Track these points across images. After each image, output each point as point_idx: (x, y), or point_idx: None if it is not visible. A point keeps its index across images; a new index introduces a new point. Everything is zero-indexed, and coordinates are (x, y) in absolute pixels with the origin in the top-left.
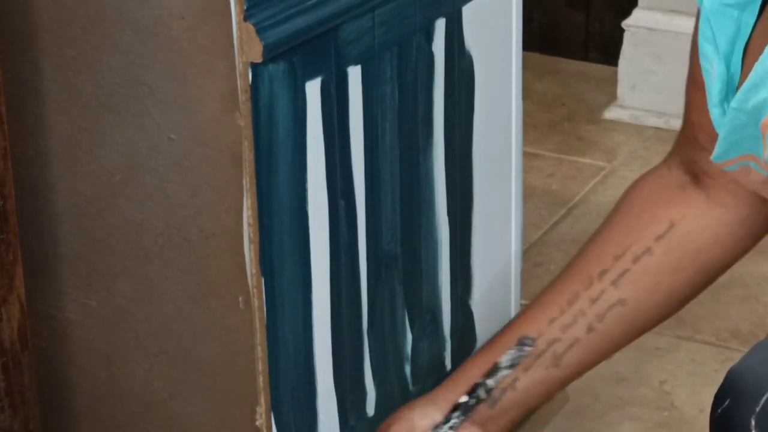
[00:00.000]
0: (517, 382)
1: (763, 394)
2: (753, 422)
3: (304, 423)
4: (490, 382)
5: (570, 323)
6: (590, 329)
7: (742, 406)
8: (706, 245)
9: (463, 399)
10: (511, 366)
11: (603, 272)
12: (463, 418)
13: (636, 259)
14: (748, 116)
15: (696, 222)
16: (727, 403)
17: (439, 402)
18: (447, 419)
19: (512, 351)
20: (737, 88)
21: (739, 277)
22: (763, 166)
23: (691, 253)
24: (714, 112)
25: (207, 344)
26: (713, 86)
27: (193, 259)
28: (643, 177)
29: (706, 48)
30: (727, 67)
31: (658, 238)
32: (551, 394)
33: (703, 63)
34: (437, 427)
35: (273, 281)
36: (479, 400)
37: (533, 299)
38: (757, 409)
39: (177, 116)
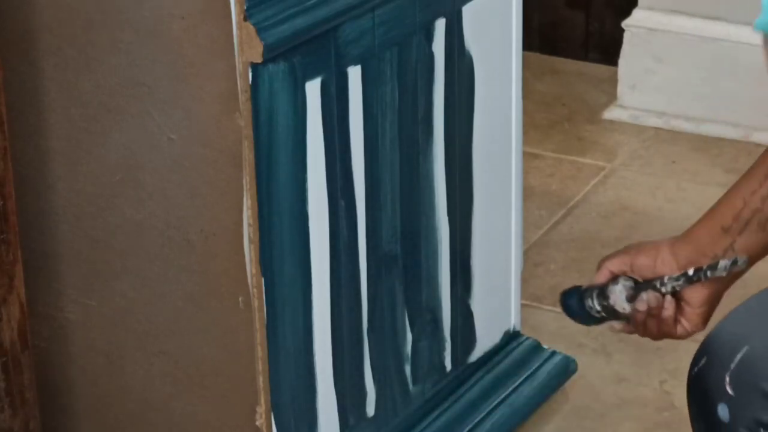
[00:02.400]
0: (735, 244)
1: (737, 354)
2: (727, 379)
3: (304, 423)
4: (710, 271)
5: (767, 195)
6: None
7: (717, 364)
8: None
9: (691, 272)
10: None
11: None
12: (687, 285)
13: None
14: None
15: None
16: (703, 361)
17: (680, 259)
18: (677, 279)
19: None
20: None
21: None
22: None
23: None
24: None
25: (207, 344)
26: None
27: (193, 259)
28: None
29: None
30: None
31: None
32: (764, 254)
33: None
34: (670, 278)
35: (273, 281)
36: (704, 277)
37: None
38: (732, 367)
39: (177, 116)
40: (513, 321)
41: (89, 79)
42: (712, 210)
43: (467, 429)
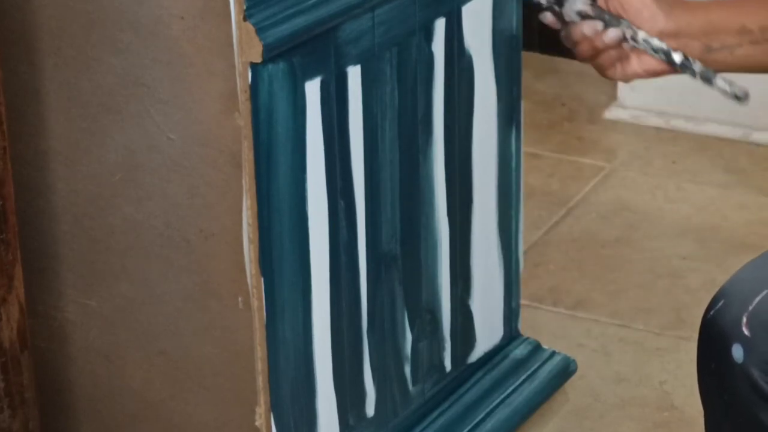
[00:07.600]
0: (740, 48)
1: (756, 296)
2: (744, 320)
3: (304, 423)
4: (702, 78)
5: None
6: None
7: (735, 305)
8: None
9: (678, 58)
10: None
11: None
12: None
13: None
14: None
15: None
16: (720, 304)
17: (670, 21)
18: (656, 50)
19: None
20: None
21: None
22: None
23: None
24: None
25: (207, 344)
26: None
27: (193, 259)
28: None
29: None
30: None
31: None
32: (760, 69)
33: None
34: (648, 43)
35: (273, 281)
36: (687, 71)
37: None
38: (750, 308)
39: (177, 116)
40: (513, 321)
41: (89, 79)
42: (736, 3)
43: (467, 429)
